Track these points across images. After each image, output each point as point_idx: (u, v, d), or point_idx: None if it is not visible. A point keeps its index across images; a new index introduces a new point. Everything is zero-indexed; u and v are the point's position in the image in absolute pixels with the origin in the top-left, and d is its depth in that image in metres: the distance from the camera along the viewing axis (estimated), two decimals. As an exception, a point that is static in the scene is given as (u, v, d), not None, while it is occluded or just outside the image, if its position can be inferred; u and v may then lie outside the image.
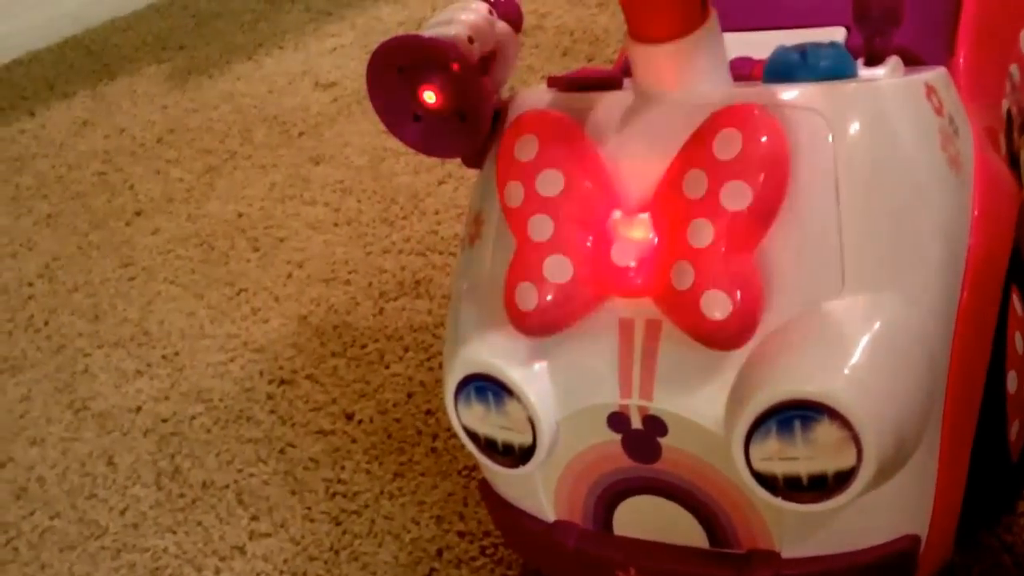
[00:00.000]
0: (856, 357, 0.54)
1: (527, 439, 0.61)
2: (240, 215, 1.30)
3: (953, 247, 0.59)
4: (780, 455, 0.54)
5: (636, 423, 0.59)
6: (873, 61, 0.63)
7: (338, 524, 0.87)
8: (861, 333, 0.55)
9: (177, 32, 1.82)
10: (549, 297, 0.58)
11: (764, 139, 0.55)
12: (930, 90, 0.60)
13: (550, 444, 0.61)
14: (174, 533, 0.90)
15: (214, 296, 1.17)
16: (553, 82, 0.65)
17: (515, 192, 0.59)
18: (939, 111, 0.60)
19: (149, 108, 1.60)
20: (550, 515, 0.65)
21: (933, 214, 0.58)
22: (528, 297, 0.58)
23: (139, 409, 1.05)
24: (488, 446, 0.63)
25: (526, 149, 0.59)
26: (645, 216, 0.58)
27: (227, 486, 0.93)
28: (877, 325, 0.55)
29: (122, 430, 1.03)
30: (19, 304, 1.27)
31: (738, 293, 0.54)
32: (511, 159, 0.60)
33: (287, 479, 0.92)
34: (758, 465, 0.55)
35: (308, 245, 1.20)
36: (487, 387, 0.61)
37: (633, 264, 0.57)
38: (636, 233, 0.58)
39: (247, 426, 0.99)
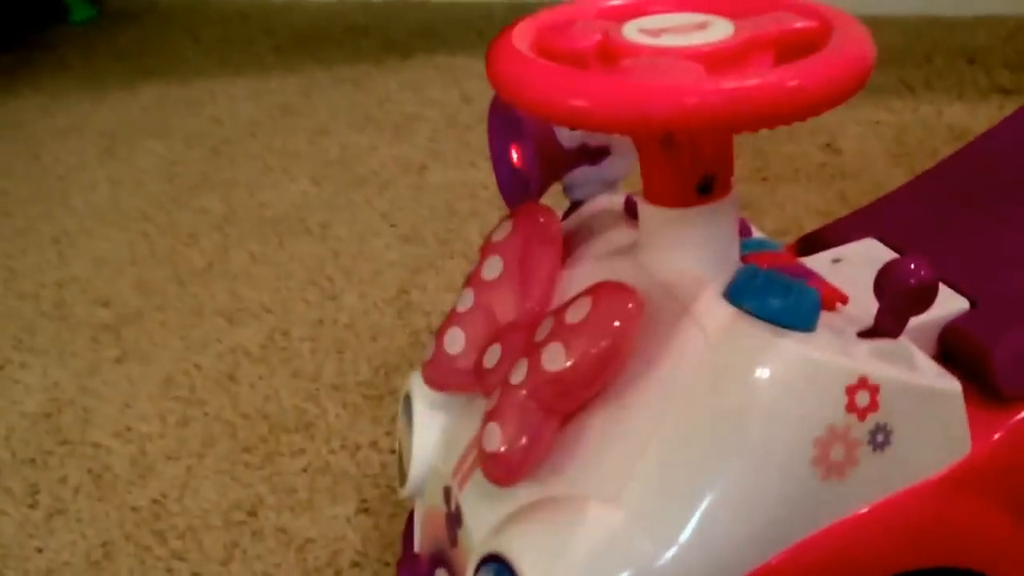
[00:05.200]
0: (574, 556, 0.48)
1: (407, 468, 0.61)
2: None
3: (758, 542, 0.49)
4: None
5: (452, 506, 0.57)
6: (870, 335, 0.52)
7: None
8: (593, 544, 0.48)
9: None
10: (438, 358, 0.56)
11: (609, 323, 0.49)
12: (859, 387, 0.49)
13: (416, 482, 0.60)
14: None
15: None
16: (627, 200, 0.61)
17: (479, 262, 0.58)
18: (858, 412, 0.49)
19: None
20: (417, 546, 0.64)
21: (748, 493, 0.48)
22: (428, 350, 0.57)
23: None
24: (399, 457, 0.63)
25: (501, 231, 0.57)
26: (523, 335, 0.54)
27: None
28: (612, 548, 0.48)
29: None
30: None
31: (512, 438, 0.50)
32: (490, 235, 0.58)
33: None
34: None
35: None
36: (407, 407, 0.61)
37: (491, 367, 0.54)
38: (511, 344, 0.54)
39: None
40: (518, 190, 0.62)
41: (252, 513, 0.81)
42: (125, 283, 1.14)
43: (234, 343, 1.01)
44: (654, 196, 0.53)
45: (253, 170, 1.35)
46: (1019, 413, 0.55)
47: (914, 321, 0.56)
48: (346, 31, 1.78)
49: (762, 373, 0.49)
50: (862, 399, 0.49)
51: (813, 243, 0.66)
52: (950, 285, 0.59)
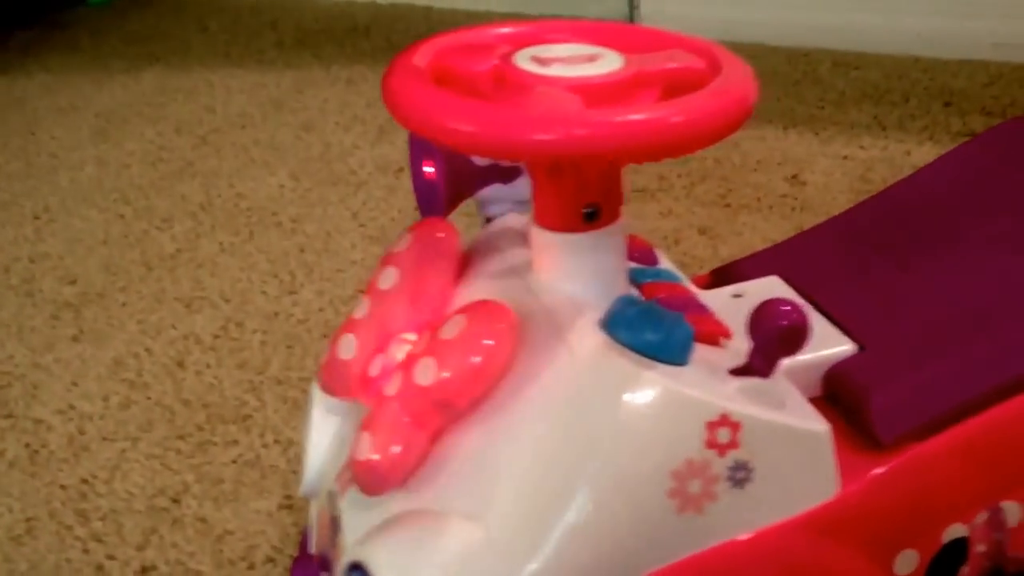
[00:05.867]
0: (430, 571, 0.48)
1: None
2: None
3: (611, 571, 0.49)
4: None
5: (334, 511, 0.57)
6: (742, 372, 0.52)
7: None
8: (450, 561, 0.48)
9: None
10: (331, 363, 0.57)
11: (480, 341, 0.50)
12: (720, 423, 0.49)
13: (309, 484, 0.60)
14: None
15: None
16: None
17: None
18: (719, 448, 0.49)
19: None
20: (312, 546, 0.64)
21: (603, 522, 0.48)
22: (325, 353, 0.58)
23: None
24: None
25: (401, 242, 0.58)
26: (407, 346, 0.54)
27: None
28: (467, 567, 0.48)
29: None
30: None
31: (382, 449, 0.50)
32: (391, 246, 0.58)
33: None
34: None
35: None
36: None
37: (374, 377, 0.54)
38: (393, 354, 0.54)
39: None
40: (433, 204, 0.62)
41: (176, 500, 0.82)
42: (94, 263, 1.14)
43: (188, 330, 1.01)
44: (542, 220, 0.54)
45: (236, 161, 1.36)
46: (894, 459, 0.55)
47: (799, 361, 0.57)
48: (349, 31, 1.78)
49: (623, 403, 0.49)
50: (723, 435, 0.49)
51: (723, 276, 0.66)
52: (842, 328, 0.59)
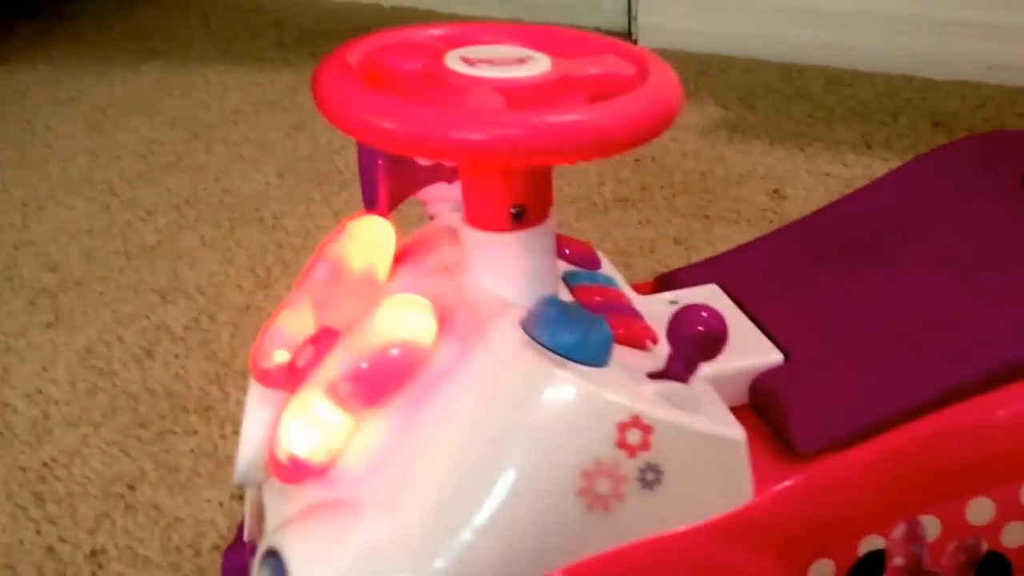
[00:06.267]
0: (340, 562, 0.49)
1: None
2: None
3: (516, 567, 0.49)
4: None
5: (262, 498, 0.58)
6: (660, 377, 0.52)
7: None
8: (360, 552, 0.49)
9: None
10: (262, 352, 0.58)
11: (398, 335, 0.51)
12: (632, 424, 0.49)
13: (242, 471, 0.61)
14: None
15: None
16: None
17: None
18: (629, 449, 0.49)
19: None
20: (246, 534, 0.65)
21: (510, 519, 0.49)
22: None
23: None
24: None
25: (336, 236, 0.59)
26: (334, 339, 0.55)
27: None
28: (376, 559, 0.49)
29: None
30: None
31: (300, 439, 0.51)
32: (327, 239, 0.59)
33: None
34: None
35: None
36: None
37: (301, 367, 0.55)
38: (320, 346, 0.55)
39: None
40: (375, 201, 0.63)
41: (131, 487, 0.83)
42: (76, 251, 1.16)
43: (160, 320, 1.02)
44: (471, 219, 0.54)
45: (225, 157, 1.37)
46: (810, 470, 0.55)
47: (726, 369, 0.57)
48: (351, 31, 1.78)
49: (534, 401, 0.49)
50: (633, 437, 0.50)
51: (666, 283, 0.67)
52: (773, 338, 0.60)
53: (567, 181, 1.26)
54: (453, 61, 0.52)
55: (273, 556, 0.51)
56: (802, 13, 1.54)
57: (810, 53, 1.53)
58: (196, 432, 0.88)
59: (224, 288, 1.08)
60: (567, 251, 0.64)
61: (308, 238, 1.16)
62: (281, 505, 0.54)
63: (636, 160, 1.29)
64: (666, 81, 0.51)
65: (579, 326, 0.51)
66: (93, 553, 0.77)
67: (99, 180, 1.32)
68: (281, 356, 0.57)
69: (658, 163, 1.28)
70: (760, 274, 0.65)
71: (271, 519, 0.55)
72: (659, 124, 0.49)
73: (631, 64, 0.53)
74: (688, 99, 1.49)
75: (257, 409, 0.61)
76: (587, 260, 0.63)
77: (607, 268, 0.64)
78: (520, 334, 0.51)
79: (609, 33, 1.68)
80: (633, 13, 1.66)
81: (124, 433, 0.88)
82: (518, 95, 0.49)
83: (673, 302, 0.63)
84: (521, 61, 0.52)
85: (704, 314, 0.52)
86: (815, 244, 0.67)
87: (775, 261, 0.66)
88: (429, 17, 1.82)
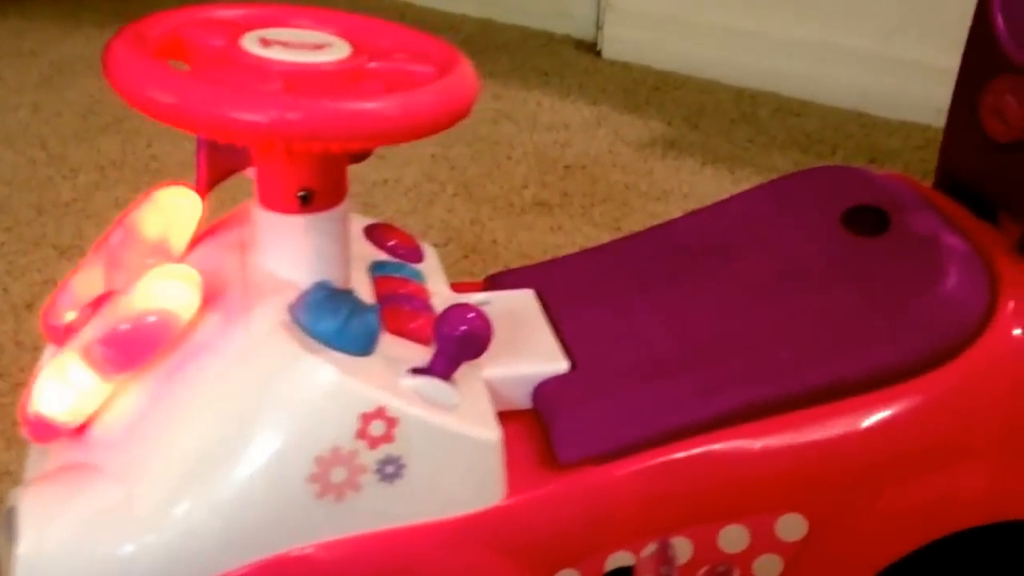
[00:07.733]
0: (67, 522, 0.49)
1: None
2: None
3: (237, 545, 0.50)
4: None
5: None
6: (422, 372, 0.52)
7: None
8: (89, 516, 0.49)
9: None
10: (50, 310, 0.58)
11: (158, 302, 0.51)
12: (376, 416, 0.49)
13: None
14: None
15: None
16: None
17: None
18: (370, 440, 0.49)
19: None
20: None
21: (237, 497, 0.49)
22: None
23: None
24: None
25: (140, 204, 0.59)
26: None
27: None
28: (103, 523, 0.49)
29: None
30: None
31: (51, 398, 0.51)
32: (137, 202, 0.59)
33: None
34: None
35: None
36: None
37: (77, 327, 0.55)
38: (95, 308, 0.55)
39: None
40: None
41: (-24, 434, 0.84)
42: (-9, 202, 1.17)
43: (50, 276, 1.03)
44: (262, 200, 0.54)
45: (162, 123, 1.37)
46: (566, 478, 0.55)
47: (509, 373, 0.57)
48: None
49: (278, 384, 0.50)
50: (376, 428, 0.50)
51: (492, 283, 0.67)
52: (567, 347, 0.60)
53: (492, 179, 1.26)
54: (250, 42, 0.52)
55: (11, 513, 0.51)
56: (762, 40, 1.54)
57: (766, 80, 1.53)
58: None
59: (125, 251, 1.08)
60: (390, 242, 0.64)
61: (223, 209, 1.16)
62: (33, 465, 0.55)
63: (566, 167, 1.29)
64: (461, 80, 0.51)
65: (341, 313, 0.51)
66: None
67: (34, 135, 1.33)
68: (70, 316, 0.57)
69: (587, 172, 1.28)
70: (579, 284, 0.65)
71: (27, 477, 0.55)
72: (438, 121, 0.49)
73: (433, 62, 0.53)
74: (635, 113, 1.52)
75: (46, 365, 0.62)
76: (408, 253, 0.64)
77: (429, 264, 0.64)
78: (282, 316, 0.51)
79: (576, 42, 1.69)
80: (600, 24, 1.66)
81: (-18, 382, 0.89)
82: (304, 79, 0.49)
83: (485, 303, 0.63)
84: (319, 47, 0.52)
85: (470, 315, 0.52)
86: (639, 260, 0.67)
87: (598, 273, 0.66)
88: (405, 11, 1.83)
